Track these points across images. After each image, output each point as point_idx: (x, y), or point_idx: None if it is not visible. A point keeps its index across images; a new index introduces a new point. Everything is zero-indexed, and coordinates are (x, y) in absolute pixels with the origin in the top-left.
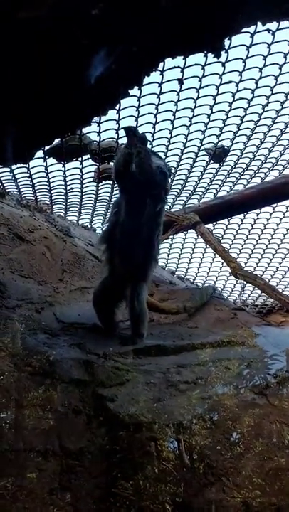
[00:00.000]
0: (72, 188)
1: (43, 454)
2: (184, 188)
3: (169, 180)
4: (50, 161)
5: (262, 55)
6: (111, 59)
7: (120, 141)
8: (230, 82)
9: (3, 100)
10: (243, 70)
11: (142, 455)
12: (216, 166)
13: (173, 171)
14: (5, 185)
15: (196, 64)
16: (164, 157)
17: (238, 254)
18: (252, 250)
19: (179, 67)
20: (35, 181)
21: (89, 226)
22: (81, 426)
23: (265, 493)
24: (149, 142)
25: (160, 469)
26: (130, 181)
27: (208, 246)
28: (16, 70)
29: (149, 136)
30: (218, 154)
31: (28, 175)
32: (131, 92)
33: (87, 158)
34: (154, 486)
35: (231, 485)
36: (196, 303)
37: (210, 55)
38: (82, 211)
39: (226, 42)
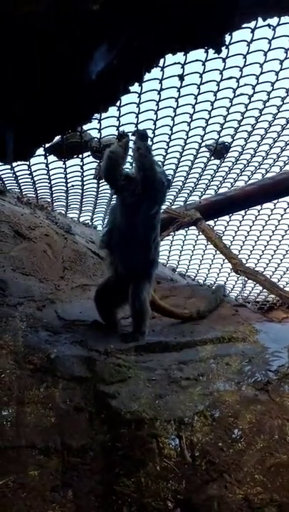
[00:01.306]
0: (72, 186)
1: (45, 452)
2: (185, 185)
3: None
4: (51, 158)
5: (262, 50)
6: (112, 54)
7: None
8: (231, 77)
9: (4, 98)
10: (244, 65)
11: (144, 452)
12: (217, 162)
13: (173, 167)
14: (6, 182)
15: (196, 60)
16: (164, 153)
17: (240, 251)
18: (253, 247)
19: (179, 63)
20: (35, 179)
21: (90, 223)
22: (83, 423)
23: (266, 489)
24: (149, 139)
25: (162, 466)
26: (124, 184)
27: (209, 242)
28: (16, 68)
29: (149, 133)
30: (219, 150)
31: (28, 172)
32: (131, 88)
33: (88, 155)
34: (156, 483)
35: (233, 481)
36: (210, 307)
37: (211, 51)
38: (83, 208)
39: (227, 38)
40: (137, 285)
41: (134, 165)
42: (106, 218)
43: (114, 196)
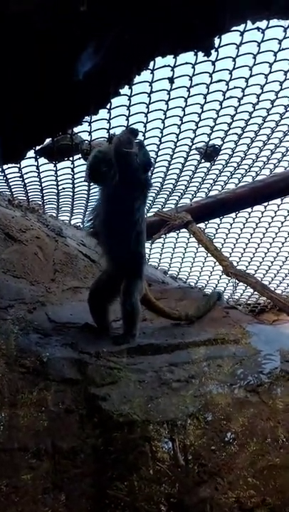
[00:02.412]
0: (63, 188)
1: (36, 454)
2: (176, 188)
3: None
4: (42, 160)
5: (252, 53)
6: (99, 55)
7: None
8: (220, 80)
9: None
10: (233, 68)
11: (137, 455)
12: (208, 165)
13: (164, 170)
14: None
15: (186, 63)
16: (155, 156)
17: (230, 253)
18: (244, 249)
19: (169, 65)
20: (26, 181)
21: (81, 226)
22: (74, 425)
23: (258, 491)
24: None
25: (155, 470)
26: (104, 171)
27: (200, 245)
28: (4, 70)
29: (139, 135)
30: (210, 153)
31: (19, 175)
32: (122, 91)
33: (79, 158)
34: (149, 487)
35: (225, 484)
36: (199, 312)
37: (200, 54)
38: (74, 211)
39: (216, 40)
40: (129, 283)
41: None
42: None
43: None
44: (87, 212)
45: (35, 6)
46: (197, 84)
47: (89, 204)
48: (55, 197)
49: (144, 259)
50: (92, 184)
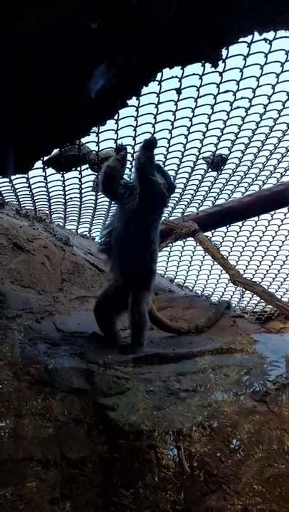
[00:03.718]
0: (71, 198)
1: (44, 464)
2: (183, 197)
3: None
4: (49, 171)
5: (259, 64)
6: (112, 73)
7: None
8: (227, 91)
9: (3, 111)
10: (241, 79)
11: (142, 463)
12: (214, 174)
13: (172, 178)
14: (4, 195)
15: (193, 74)
16: (162, 166)
17: (237, 262)
18: (250, 257)
19: (176, 77)
20: (34, 191)
21: (88, 235)
22: (82, 435)
23: (265, 499)
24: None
25: (160, 477)
26: (123, 192)
27: (206, 254)
28: (14, 82)
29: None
30: (217, 162)
31: (27, 185)
32: (129, 102)
33: (86, 168)
34: (155, 494)
35: (232, 492)
36: (209, 322)
37: (207, 65)
38: (81, 220)
39: (224, 52)
40: (137, 295)
41: (134, 175)
42: (106, 221)
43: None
44: (101, 229)
45: (45, 24)
46: (204, 95)
47: (96, 213)
48: (63, 206)
49: (154, 274)
50: (99, 194)
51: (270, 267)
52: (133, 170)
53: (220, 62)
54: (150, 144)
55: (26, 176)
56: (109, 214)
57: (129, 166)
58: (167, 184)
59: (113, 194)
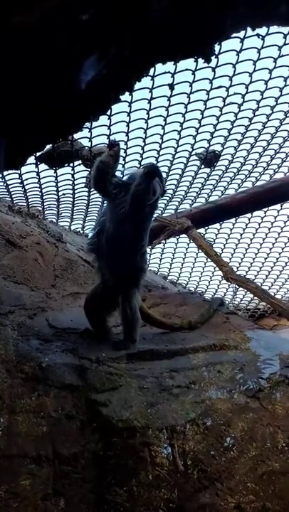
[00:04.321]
0: (64, 194)
1: (37, 460)
2: (176, 193)
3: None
4: (42, 166)
5: (252, 59)
6: (102, 64)
7: None
8: (220, 86)
9: None
10: (233, 74)
11: (136, 461)
12: (208, 170)
13: (164, 175)
14: None
15: (186, 69)
16: (155, 162)
17: (230, 259)
18: (244, 254)
19: (169, 72)
20: (27, 187)
21: (81, 232)
22: (74, 431)
23: (258, 497)
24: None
25: (154, 475)
26: (115, 192)
27: (200, 250)
28: (6, 76)
29: (140, 142)
30: (209, 159)
31: (19, 181)
32: (122, 97)
33: (79, 164)
34: (148, 492)
35: (225, 489)
36: (202, 318)
37: (200, 61)
38: (74, 217)
39: (216, 47)
40: (127, 293)
41: (128, 197)
42: (96, 221)
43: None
44: (90, 229)
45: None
46: (197, 91)
47: (89, 210)
48: (56, 203)
49: (145, 273)
50: (92, 190)
51: (263, 264)
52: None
53: (213, 58)
54: (152, 174)
55: (19, 171)
56: (103, 207)
57: (122, 162)
58: (162, 190)
59: (105, 191)
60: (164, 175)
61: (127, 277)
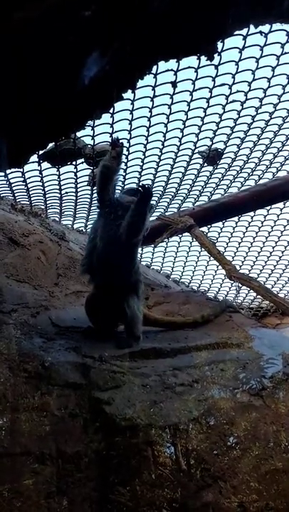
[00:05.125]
0: (66, 192)
1: (40, 459)
2: (178, 191)
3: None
4: (45, 165)
5: (255, 57)
6: (105, 60)
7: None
8: (223, 84)
9: None
10: (236, 72)
11: (139, 460)
12: (210, 168)
13: (167, 174)
14: None
15: (189, 67)
16: (158, 160)
17: (233, 257)
18: (247, 253)
19: (172, 70)
20: (29, 186)
21: (84, 230)
22: (78, 430)
23: (261, 496)
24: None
25: (157, 474)
26: (109, 205)
27: (203, 249)
28: (5, 75)
29: (142, 140)
30: (212, 157)
31: (22, 179)
32: (124, 95)
33: (82, 162)
34: (151, 492)
35: (228, 488)
36: (216, 311)
37: (203, 58)
38: (77, 215)
39: (219, 45)
40: (126, 299)
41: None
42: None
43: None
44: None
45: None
46: (200, 89)
47: (92, 209)
48: (58, 201)
49: (141, 283)
50: (94, 189)
51: (266, 262)
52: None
53: (215, 55)
54: (145, 196)
55: (21, 170)
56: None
57: (124, 167)
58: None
59: (103, 200)
60: (166, 173)
61: (123, 289)
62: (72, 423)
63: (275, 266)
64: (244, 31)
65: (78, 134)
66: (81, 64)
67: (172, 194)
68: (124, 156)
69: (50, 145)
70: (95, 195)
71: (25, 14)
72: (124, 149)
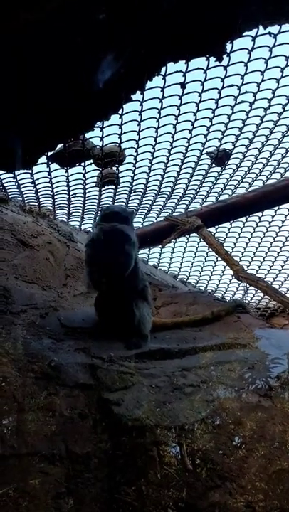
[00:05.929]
0: (75, 193)
1: (49, 459)
2: (186, 192)
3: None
4: (53, 166)
5: (263, 58)
6: (120, 63)
7: (123, 145)
8: (232, 85)
9: (7, 107)
10: (245, 73)
11: (145, 460)
12: (218, 169)
13: (175, 174)
14: (8, 191)
15: (198, 68)
16: (166, 161)
17: (241, 257)
18: (254, 253)
19: (181, 71)
20: (38, 187)
21: (91, 231)
22: (87, 430)
23: (268, 496)
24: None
25: (163, 474)
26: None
27: (210, 249)
28: (20, 77)
29: (151, 141)
30: (221, 157)
31: (31, 180)
32: (134, 96)
33: (90, 163)
34: (157, 491)
35: (235, 488)
36: (225, 308)
37: (212, 59)
38: (85, 216)
39: (228, 46)
40: (132, 302)
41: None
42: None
43: (119, 198)
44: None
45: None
46: (209, 90)
47: (99, 209)
48: (66, 202)
49: (148, 287)
50: (103, 189)
51: (273, 262)
52: None
53: (224, 56)
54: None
55: (30, 171)
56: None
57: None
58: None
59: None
60: (174, 174)
61: (130, 296)
62: (82, 423)
63: (282, 266)
64: (253, 32)
65: (87, 135)
66: (95, 67)
67: (180, 195)
68: (132, 158)
69: (59, 146)
70: (104, 195)
71: (32, 15)
72: (133, 150)
